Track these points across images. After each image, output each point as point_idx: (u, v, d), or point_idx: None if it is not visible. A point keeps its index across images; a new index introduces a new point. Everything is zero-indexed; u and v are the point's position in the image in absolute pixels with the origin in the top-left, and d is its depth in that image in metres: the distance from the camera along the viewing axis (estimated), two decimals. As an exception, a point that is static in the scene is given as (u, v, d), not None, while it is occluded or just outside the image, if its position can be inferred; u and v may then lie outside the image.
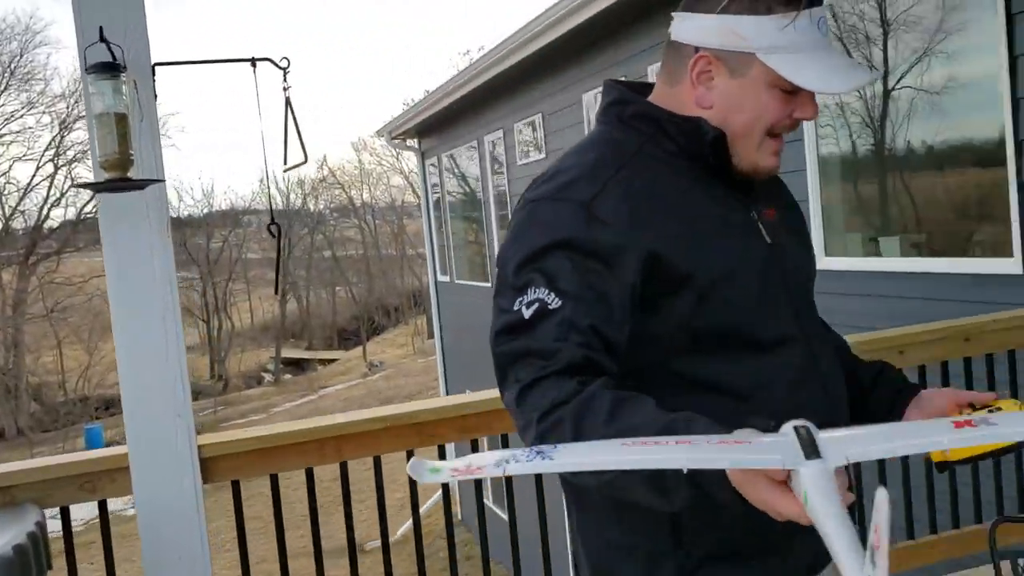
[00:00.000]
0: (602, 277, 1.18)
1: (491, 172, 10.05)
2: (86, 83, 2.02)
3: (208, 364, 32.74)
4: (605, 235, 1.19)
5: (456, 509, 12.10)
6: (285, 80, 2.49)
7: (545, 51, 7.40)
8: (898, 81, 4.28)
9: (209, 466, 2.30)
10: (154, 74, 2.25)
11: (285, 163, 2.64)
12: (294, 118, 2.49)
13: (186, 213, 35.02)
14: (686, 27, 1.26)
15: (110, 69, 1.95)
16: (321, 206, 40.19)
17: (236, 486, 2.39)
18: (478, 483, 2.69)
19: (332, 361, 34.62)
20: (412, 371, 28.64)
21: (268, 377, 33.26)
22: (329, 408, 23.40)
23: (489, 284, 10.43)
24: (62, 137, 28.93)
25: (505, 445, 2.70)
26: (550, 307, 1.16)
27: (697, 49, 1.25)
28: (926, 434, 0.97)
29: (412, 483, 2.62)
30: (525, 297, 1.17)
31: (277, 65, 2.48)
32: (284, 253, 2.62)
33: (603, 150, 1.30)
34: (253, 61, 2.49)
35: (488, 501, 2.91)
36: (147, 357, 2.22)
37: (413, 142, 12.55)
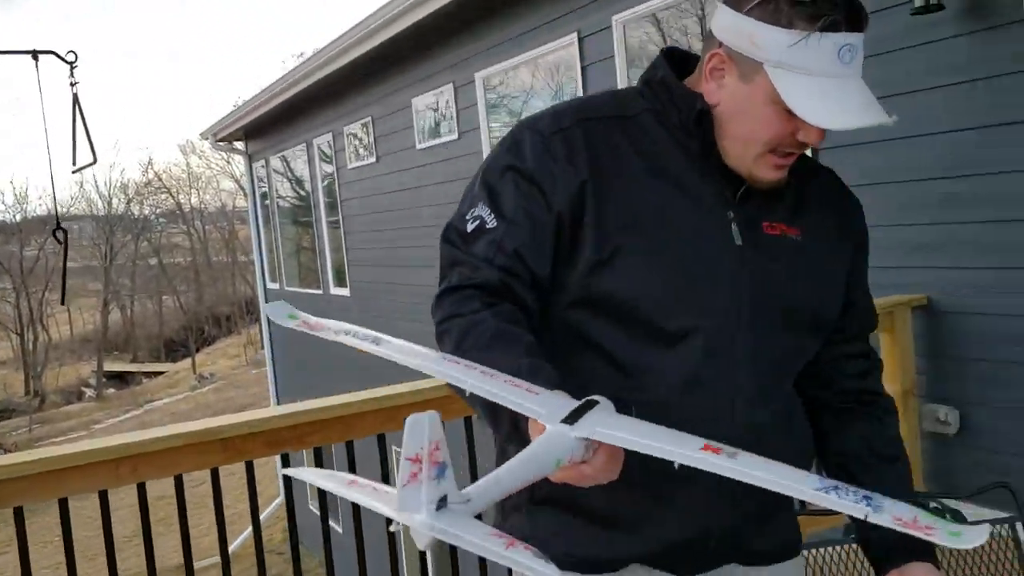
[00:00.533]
0: (539, 206, 1.22)
1: (321, 176, 9.83)
2: None
3: (23, 380, 30.58)
4: (553, 167, 1.23)
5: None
6: (72, 75, 2.32)
7: (374, 54, 7.30)
8: None
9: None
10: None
11: (74, 164, 2.46)
12: (82, 116, 2.32)
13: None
14: (716, 18, 1.22)
15: None
16: (147, 211, 38.34)
17: (19, 513, 2.20)
18: (321, 499, 2.59)
19: (159, 374, 33.03)
20: (244, 383, 27.68)
21: (89, 392, 31.39)
22: (155, 423, 22.30)
23: (321, 291, 10.19)
24: None
25: (318, 459, 2.61)
26: (487, 226, 1.22)
27: (720, 43, 1.21)
28: (680, 445, 0.97)
29: (252, 495, 2.52)
30: (475, 210, 1.24)
31: (63, 59, 2.30)
32: (68, 260, 2.44)
33: (608, 99, 1.32)
34: (35, 54, 2.31)
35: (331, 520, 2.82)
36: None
37: (240, 144, 12.12)
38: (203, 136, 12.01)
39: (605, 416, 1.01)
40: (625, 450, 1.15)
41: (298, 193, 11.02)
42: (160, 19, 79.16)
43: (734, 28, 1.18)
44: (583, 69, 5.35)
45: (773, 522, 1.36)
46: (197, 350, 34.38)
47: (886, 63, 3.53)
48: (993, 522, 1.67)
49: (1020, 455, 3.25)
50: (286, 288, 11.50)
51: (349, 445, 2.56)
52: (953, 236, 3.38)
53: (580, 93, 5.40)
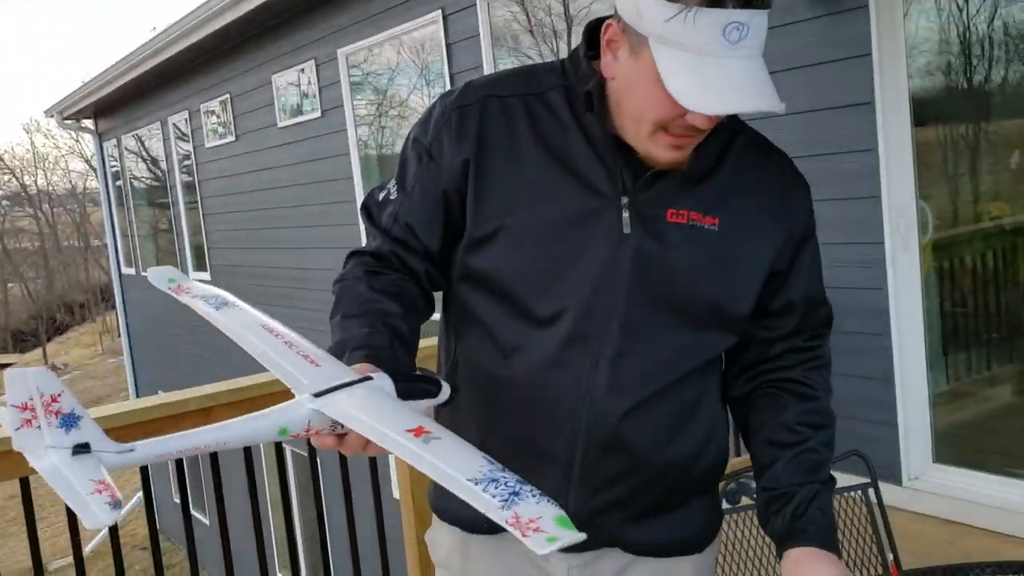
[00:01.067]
0: (434, 180, 1.24)
1: (177, 155, 9.43)
2: None
3: None
4: (445, 143, 1.23)
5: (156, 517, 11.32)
6: None
7: (232, 28, 7.02)
8: None
9: None
10: None
11: None
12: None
13: None
14: None
15: None
16: (-13, 193, 35.98)
17: None
18: (182, 491, 2.50)
19: (6, 366, 31.11)
20: (101, 372, 26.44)
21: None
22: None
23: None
24: None
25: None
26: (391, 197, 1.28)
27: (617, 13, 1.14)
28: (388, 425, 0.99)
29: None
30: (391, 182, 1.29)
31: None
32: None
33: (524, 75, 1.28)
34: None
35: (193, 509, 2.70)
36: None
37: (89, 123, 11.48)
38: (48, 114, 11.32)
39: (360, 393, 1.02)
40: (496, 423, 1.22)
41: (153, 174, 10.54)
42: (-3, -12, 74.11)
43: None
44: (448, 47, 5.30)
45: (661, 516, 1.30)
46: (48, 339, 32.60)
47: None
48: (849, 489, 1.75)
49: (867, 420, 3.43)
50: (142, 273, 11.01)
51: (210, 438, 2.45)
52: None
53: (446, 72, 5.35)
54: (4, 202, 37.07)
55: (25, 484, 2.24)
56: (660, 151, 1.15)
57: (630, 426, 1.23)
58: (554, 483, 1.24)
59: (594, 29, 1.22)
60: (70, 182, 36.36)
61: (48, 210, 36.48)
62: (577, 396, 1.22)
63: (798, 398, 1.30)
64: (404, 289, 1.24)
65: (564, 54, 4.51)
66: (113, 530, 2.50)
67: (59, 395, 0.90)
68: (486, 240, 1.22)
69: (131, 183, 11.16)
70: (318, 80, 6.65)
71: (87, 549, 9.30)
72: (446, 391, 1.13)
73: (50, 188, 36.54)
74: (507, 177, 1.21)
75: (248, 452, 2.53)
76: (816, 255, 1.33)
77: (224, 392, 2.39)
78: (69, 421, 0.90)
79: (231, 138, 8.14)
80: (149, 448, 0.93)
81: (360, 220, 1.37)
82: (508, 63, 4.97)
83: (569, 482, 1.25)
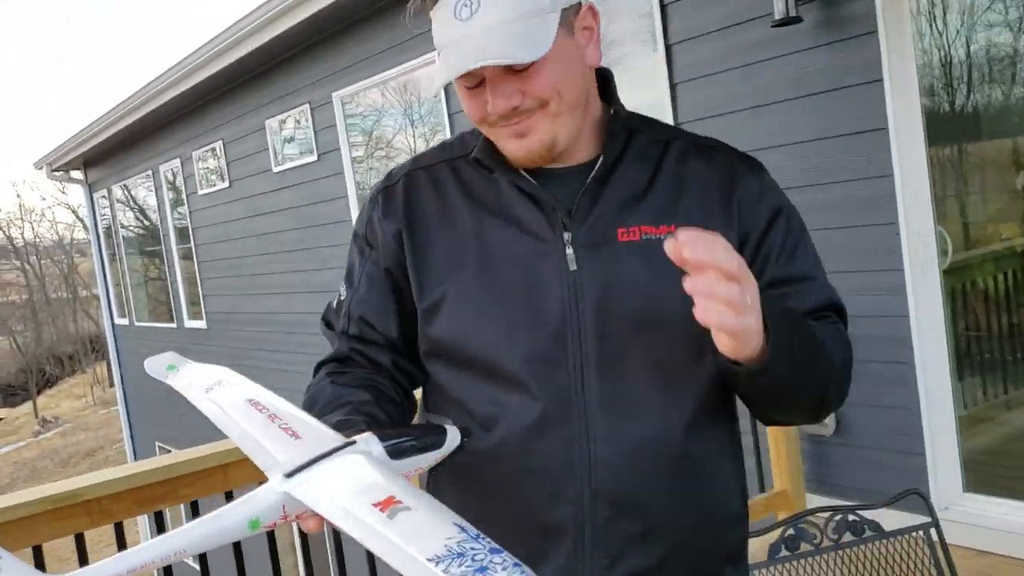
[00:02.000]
0: (376, 266, 1.22)
1: (170, 203, 9.36)
2: None
3: None
4: (377, 225, 1.22)
5: None
6: None
7: (222, 75, 7.00)
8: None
9: None
10: None
11: None
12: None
13: None
14: None
15: None
16: (-27, 247, 35.79)
17: None
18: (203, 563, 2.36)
19: (-3, 420, 30.80)
20: (93, 424, 26.12)
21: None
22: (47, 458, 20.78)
23: (175, 324, 9.68)
24: None
25: (195, 513, 2.40)
26: (341, 298, 1.26)
27: None
28: (355, 502, 0.86)
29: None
30: (341, 285, 1.27)
31: None
32: None
33: (450, 142, 1.27)
34: None
35: None
36: None
37: (78, 174, 11.41)
38: (37, 166, 11.25)
39: (338, 464, 0.91)
40: (491, 506, 1.14)
41: (144, 223, 10.47)
42: (-20, 43, 74.39)
43: None
44: (445, 88, 5.26)
45: None
46: (38, 392, 32.27)
47: (749, 74, 3.60)
48: (909, 529, 1.67)
49: (893, 451, 3.36)
50: (136, 323, 10.88)
51: (228, 496, 2.36)
52: (820, 242, 3.43)
53: (445, 112, 5.32)
54: (-9, 256, 36.91)
55: (38, 554, 2.15)
56: (506, 144, 1.15)
57: (638, 478, 1.12)
58: (566, 557, 1.13)
59: None
60: (57, 234, 36.29)
61: (35, 262, 36.30)
62: (574, 455, 1.12)
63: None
64: (373, 381, 1.18)
65: None
66: None
67: None
68: (435, 308, 1.17)
69: (121, 233, 11.08)
70: (313, 124, 6.61)
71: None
72: (454, 436, 1.02)
73: (36, 240, 36.44)
74: (444, 241, 1.18)
75: (271, 536, 2.37)
76: (792, 231, 1.21)
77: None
78: None
79: (224, 184, 8.08)
80: (100, 570, 0.80)
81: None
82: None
83: (583, 552, 1.13)
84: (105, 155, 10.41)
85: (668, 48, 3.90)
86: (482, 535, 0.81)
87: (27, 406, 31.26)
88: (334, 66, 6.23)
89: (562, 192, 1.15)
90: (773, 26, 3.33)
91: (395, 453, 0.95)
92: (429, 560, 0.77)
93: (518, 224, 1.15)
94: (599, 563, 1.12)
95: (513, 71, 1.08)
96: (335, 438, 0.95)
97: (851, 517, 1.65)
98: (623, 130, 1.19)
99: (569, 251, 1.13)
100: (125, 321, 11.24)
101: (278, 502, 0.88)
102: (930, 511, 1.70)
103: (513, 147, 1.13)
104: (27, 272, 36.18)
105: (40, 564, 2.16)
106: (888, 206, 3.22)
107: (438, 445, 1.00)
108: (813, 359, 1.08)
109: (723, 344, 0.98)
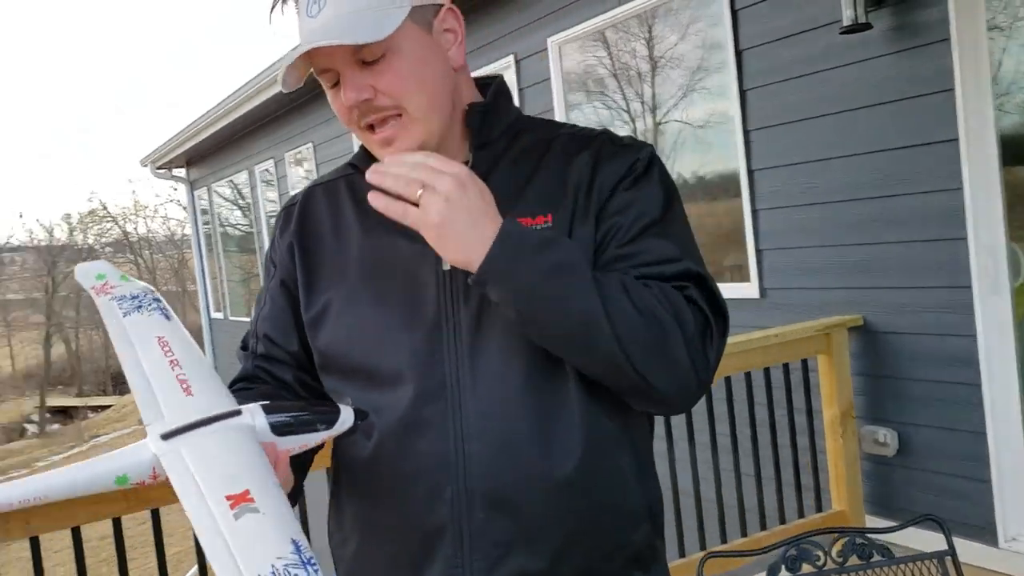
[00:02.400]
0: (276, 283, 1.24)
1: (263, 202, 9.66)
2: None
3: (-39, 417, 29.65)
4: (279, 238, 1.25)
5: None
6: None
7: (312, 80, 7.18)
8: (665, 115, 4.39)
9: None
10: None
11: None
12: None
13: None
14: None
15: None
16: (91, 240, 37.60)
17: None
18: None
19: (105, 408, 32.25)
20: (195, 413, 27.11)
21: (32, 428, 30.53)
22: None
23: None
24: None
25: (231, 502, 2.47)
26: (253, 317, 1.28)
27: None
28: (212, 489, 0.86)
29: (159, 547, 2.38)
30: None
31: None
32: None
33: (352, 159, 1.27)
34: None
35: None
36: None
37: (180, 171, 11.89)
38: (143, 163, 11.76)
39: (215, 437, 0.89)
40: (376, 514, 1.14)
41: (241, 220, 10.82)
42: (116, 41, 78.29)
43: None
44: (520, 91, 5.29)
45: None
46: (145, 382, 33.66)
47: (817, 82, 3.50)
48: (924, 556, 1.59)
49: (957, 475, 3.21)
50: (230, 317, 11.26)
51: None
52: (888, 255, 3.35)
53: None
54: (107, 249, 38.69)
55: (77, 535, 2.24)
56: (378, 152, 1.14)
57: (509, 477, 1.08)
58: (447, 561, 1.11)
59: None
60: (168, 229, 37.78)
61: (148, 256, 37.91)
62: (449, 454, 1.10)
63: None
64: (275, 394, 1.17)
65: (647, 96, 4.35)
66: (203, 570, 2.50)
67: None
68: (320, 319, 1.18)
69: (220, 230, 11.48)
70: (394, 127, 6.73)
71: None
72: (347, 416, 1.00)
73: (150, 235, 38.05)
74: (332, 253, 1.20)
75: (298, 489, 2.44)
76: (648, 212, 1.12)
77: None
78: None
79: (313, 185, 8.29)
80: None
81: None
82: (583, 106, 4.92)
83: (463, 554, 1.10)
84: (205, 154, 10.81)
85: (738, 54, 3.83)
86: (313, 560, 0.79)
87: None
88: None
89: None
90: (841, 33, 3.23)
91: (279, 428, 0.94)
92: (260, 573, 0.76)
93: (398, 229, 1.10)
94: (478, 565, 1.09)
95: (365, 64, 1.07)
96: (224, 403, 0.94)
97: (858, 540, 1.58)
98: (503, 133, 1.18)
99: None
100: (220, 315, 11.64)
101: (149, 463, 0.88)
102: (947, 539, 1.61)
103: (379, 148, 1.14)
104: (140, 266, 37.81)
105: (79, 546, 2.26)
106: (957, 220, 3.08)
107: (329, 424, 0.98)
108: (563, 292, 1.02)
109: (430, 239, 1.03)
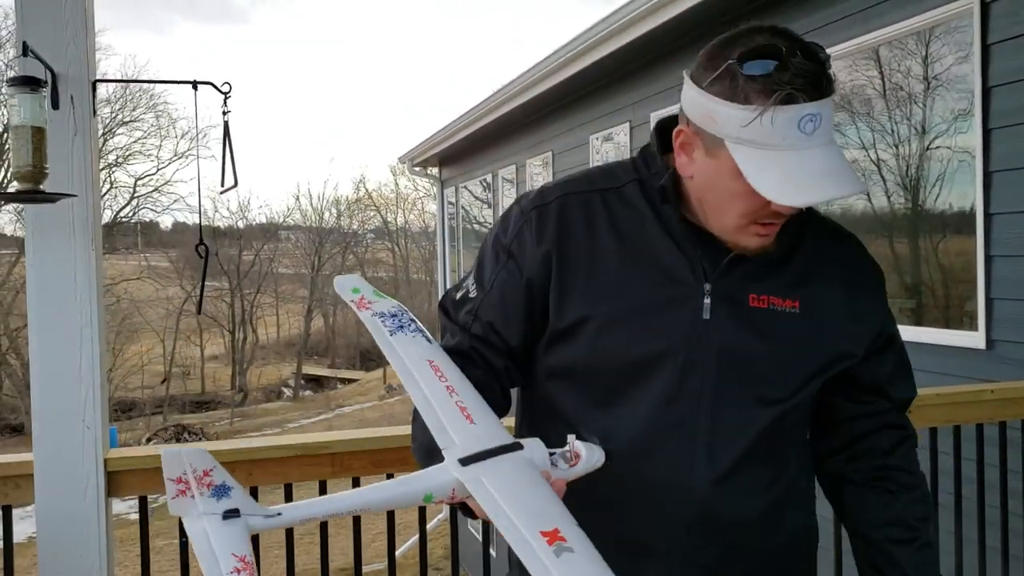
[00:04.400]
0: (514, 279, 1.27)
1: (503, 206, 10.10)
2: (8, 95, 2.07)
3: (230, 375, 32.95)
4: (526, 241, 1.27)
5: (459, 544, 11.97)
6: (225, 104, 2.53)
7: (553, 91, 7.46)
8: (932, 140, 4.18)
9: (116, 480, 2.31)
10: (94, 90, 2.30)
11: (222, 185, 2.68)
12: (229, 143, 2.53)
13: (224, 224, 35.43)
14: (684, 92, 1.22)
15: (29, 83, 2.00)
16: (355, 226, 40.54)
17: (143, 501, 2.41)
18: (485, 528, 2.65)
19: (352, 381, 34.72)
20: (429, 397, 28.50)
21: (287, 392, 33.41)
22: (342, 427, 23.43)
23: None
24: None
25: (421, 482, 2.69)
26: (470, 295, 1.31)
27: (687, 119, 1.20)
28: (523, 521, 0.96)
29: (421, 510, 2.66)
30: (467, 281, 1.34)
31: (218, 89, 2.51)
32: (208, 275, 2.65)
33: (599, 172, 1.34)
34: (195, 84, 2.53)
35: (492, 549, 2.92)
36: (59, 368, 2.24)
37: (434, 170, 12.64)
38: (401, 161, 12.62)
39: (506, 467, 1.01)
40: (593, 524, 1.19)
41: (478, 220, 11.35)
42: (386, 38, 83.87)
43: (697, 104, 1.16)
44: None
45: None
46: (389, 363, 35.77)
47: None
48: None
49: None
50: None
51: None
52: None
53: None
54: (370, 235, 41.61)
55: (288, 491, 2.54)
56: (748, 240, 1.20)
57: (733, 508, 1.23)
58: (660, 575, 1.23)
59: (664, 127, 1.28)
60: (423, 222, 40.04)
61: (403, 245, 40.38)
62: (678, 481, 1.21)
63: (904, 488, 1.34)
64: (487, 386, 1.24)
65: (916, 117, 4.18)
66: (423, 542, 2.77)
67: (211, 470, 0.97)
68: (570, 332, 1.25)
69: (463, 227, 12.10)
70: (631, 141, 6.85)
71: (399, 553, 10.07)
72: (600, 457, 1.10)
73: (407, 226, 40.51)
74: (589, 269, 1.25)
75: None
76: (898, 338, 1.36)
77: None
78: (220, 491, 0.97)
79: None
80: (294, 512, 0.98)
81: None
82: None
83: (676, 571, 1.23)
84: (456, 156, 11.45)
85: (986, 91, 3.62)
86: None
87: (379, 372, 34.88)
88: (652, 90, 6.41)
89: (709, 247, 1.24)
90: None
91: (554, 463, 1.06)
92: None
93: (660, 265, 1.24)
94: None
95: None
96: (505, 436, 1.07)
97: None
98: None
99: (706, 300, 1.22)
100: (455, 307, 12.25)
101: (450, 484, 1.01)
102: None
103: (755, 243, 1.21)
104: (395, 253, 40.33)
105: (289, 499, 2.56)
106: None
107: (590, 462, 1.09)
108: None
109: None
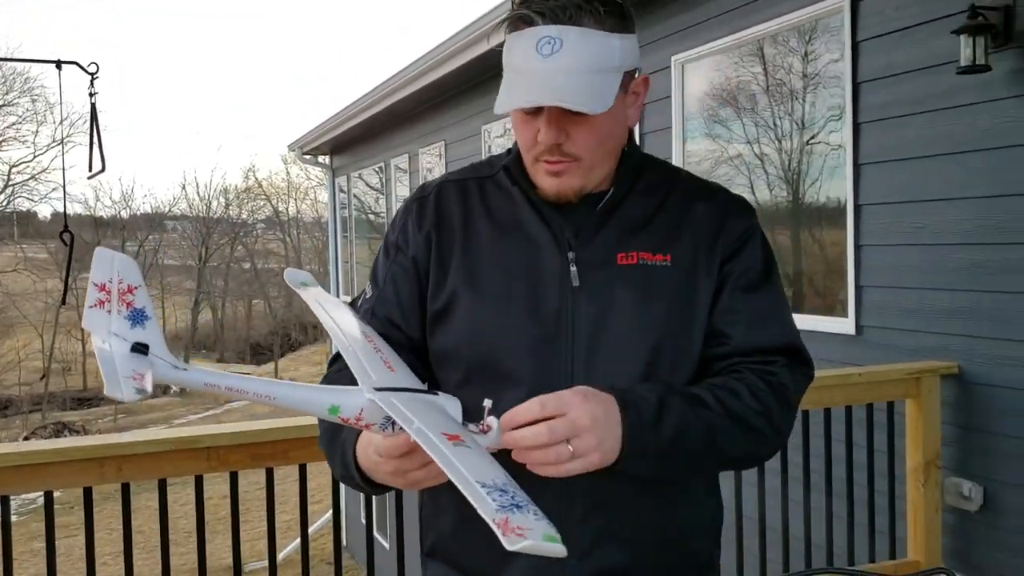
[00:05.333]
0: (404, 272, 1.31)
1: (396, 195, 10.01)
2: None
3: (113, 370, 31.61)
4: (408, 232, 1.31)
5: (342, 535, 11.85)
6: (92, 86, 2.42)
7: (446, 80, 7.42)
8: (813, 137, 4.31)
9: (-26, 479, 2.20)
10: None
11: (90, 170, 2.57)
12: (97, 127, 2.43)
13: (107, 213, 34.10)
14: None
15: None
16: (245, 216, 39.57)
17: (4, 501, 2.30)
18: (367, 512, 2.64)
19: (243, 375, 33.83)
20: (322, 390, 28.09)
21: (174, 388, 32.41)
22: (232, 422, 22.83)
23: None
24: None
25: (303, 475, 2.66)
26: (367, 295, 1.35)
27: None
28: (432, 427, 0.99)
29: (303, 504, 2.61)
30: (367, 285, 1.37)
31: (84, 69, 2.41)
32: (73, 263, 2.54)
33: (475, 163, 1.39)
34: (58, 63, 2.42)
35: (375, 531, 2.88)
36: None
37: (325, 159, 12.44)
38: (291, 148, 12.37)
39: (418, 401, 1.03)
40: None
41: (370, 210, 11.24)
42: (284, 27, 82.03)
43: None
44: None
45: None
46: (281, 355, 35.19)
47: (928, 122, 3.43)
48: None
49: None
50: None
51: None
52: (989, 304, 3.25)
53: (636, 132, 5.37)
54: (260, 225, 40.65)
55: (163, 487, 2.47)
56: (541, 179, 1.24)
57: (611, 478, 1.19)
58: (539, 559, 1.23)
59: None
60: (317, 212, 39.37)
61: (295, 235, 39.61)
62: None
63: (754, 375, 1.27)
64: None
65: (797, 114, 4.26)
66: (304, 542, 2.71)
67: (136, 288, 0.94)
68: (444, 313, 1.27)
69: (354, 217, 11.95)
70: (522, 132, 6.88)
71: (280, 556, 9.90)
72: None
73: (299, 216, 39.76)
74: (463, 251, 1.28)
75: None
76: (757, 270, 1.30)
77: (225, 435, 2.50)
78: (137, 317, 0.94)
79: (442, 182, 8.55)
80: (201, 375, 0.97)
81: None
82: (699, 126, 4.93)
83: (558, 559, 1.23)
84: (347, 144, 11.28)
85: (855, 87, 3.77)
86: (521, 489, 0.94)
87: (270, 366, 34.20)
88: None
89: (572, 216, 1.27)
90: (958, 73, 3.15)
91: (464, 425, 1.07)
92: (478, 482, 0.91)
93: (529, 239, 1.27)
94: (571, 557, 1.20)
95: (570, 113, 1.18)
96: (421, 385, 1.10)
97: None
98: (634, 168, 1.30)
99: (573, 269, 1.25)
100: (347, 299, 12.10)
101: (360, 404, 1.02)
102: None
103: (547, 184, 1.24)
104: (287, 244, 39.53)
105: (163, 495, 2.48)
106: (1062, 276, 2.97)
107: (497, 438, 1.09)
108: (690, 449, 1.17)
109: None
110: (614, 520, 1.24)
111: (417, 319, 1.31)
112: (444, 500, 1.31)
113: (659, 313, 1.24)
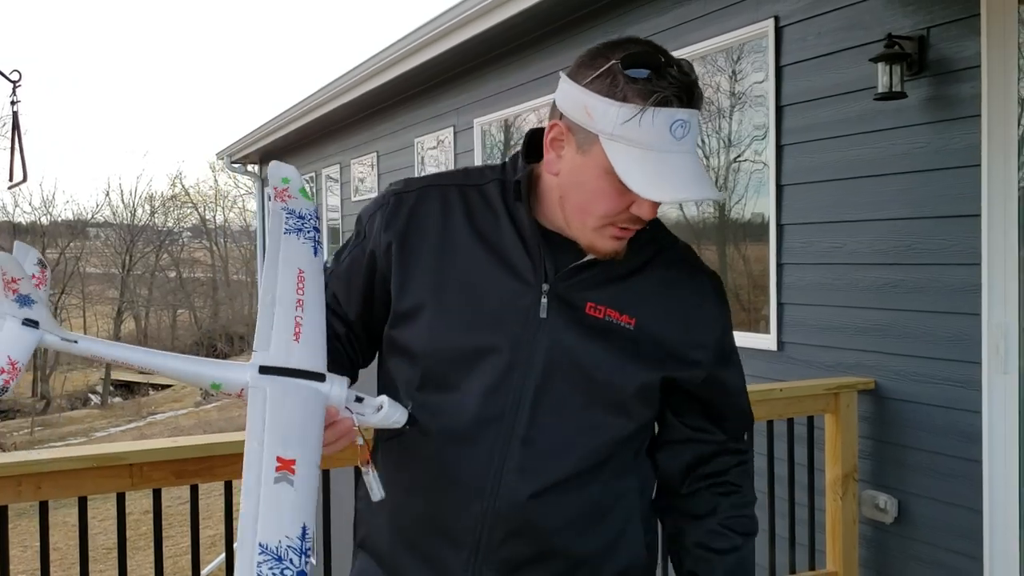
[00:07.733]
0: (360, 260, 1.33)
1: (327, 204, 9.93)
2: None
3: (31, 381, 30.71)
4: (381, 222, 1.32)
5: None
6: (14, 94, 2.38)
7: (379, 92, 7.41)
8: (739, 155, 4.41)
9: None
10: None
11: (10, 180, 2.51)
12: (19, 136, 2.38)
13: (26, 219, 33.03)
14: (559, 90, 1.25)
15: None
16: (171, 224, 38.74)
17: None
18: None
19: (166, 387, 33.06)
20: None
21: (95, 399, 31.50)
22: (155, 436, 22.31)
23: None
24: None
25: (228, 492, 2.62)
26: (327, 268, 1.36)
27: (560, 114, 1.23)
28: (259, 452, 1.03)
29: (228, 521, 2.56)
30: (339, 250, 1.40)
31: (7, 77, 2.36)
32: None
33: (472, 170, 1.38)
34: (-20, 72, 2.37)
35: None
36: None
37: (254, 167, 12.28)
38: (219, 156, 12.18)
39: (294, 392, 1.07)
40: (409, 500, 1.28)
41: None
42: (213, 30, 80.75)
43: (574, 99, 1.20)
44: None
45: None
46: (206, 366, 34.41)
47: (847, 145, 3.55)
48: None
49: (951, 550, 3.20)
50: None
51: (259, 481, 2.56)
52: (903, 322, 3.37)
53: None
54: (186, 233, 39.83)
55: (83, 505, 2.41)
56: (604, 242, 1.24)
57: (539, 510, 1.25)
58: (460, 564, 1.26)
59: (534, 135, 1.33)
60: (245, 220, 38.73)
61: (223, 244, 38.91)
62: (488, 474, 1.24)
63: (730, 497, 1.41)
64: (334, 347, 1.30)
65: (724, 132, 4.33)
66: (229, 557, 2.67)
67: (20, 279, 1.05)
68: (410, 315, 1.28)
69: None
70: (454, 146, 6.90)
71: (204, 572, 9.68)
72: (402, 418, 1.17)
73: (226, 224, 39.07)
74: (436, 258, 1.29)
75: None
76: (740, 371, 1.42)
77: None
78: (24, 301, 1.06)
79: (375, 193, 8.52)
80: (89, 345, 1.07)
81: None
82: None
83: (474, 563, 1.26)
84: (277, 153, 11.15)
85: (779, 110, 3.89)
86: (309, 551, 0.95)
87: (195, 377, 33.40)
88: (477, 95, 6.48)
89: (556, 251, 1.28)
90: (875, 99, 3.28)
91: (359, 399, 1.13)
92: (261, 543, 0.93)
93: (506, 262, 1.28)
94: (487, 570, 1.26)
95: None
96: (318, 364, 1.12)
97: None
98: None
99: (543, 300, 1.27)
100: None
101: (240, 384, 1.09)
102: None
103: (610, 246, 1.25)
104: (214, 253, 38.80)
105: (83, 513, 2.42)
106: (973, 296, 3.10)
107: (390, 418, 1.15)
108: None
109: None
110: (539, 545, 1.28)
111: (357, 305, 1.35)
112: (377, 504, 1.33)
113: (613, 370, 1.27)
